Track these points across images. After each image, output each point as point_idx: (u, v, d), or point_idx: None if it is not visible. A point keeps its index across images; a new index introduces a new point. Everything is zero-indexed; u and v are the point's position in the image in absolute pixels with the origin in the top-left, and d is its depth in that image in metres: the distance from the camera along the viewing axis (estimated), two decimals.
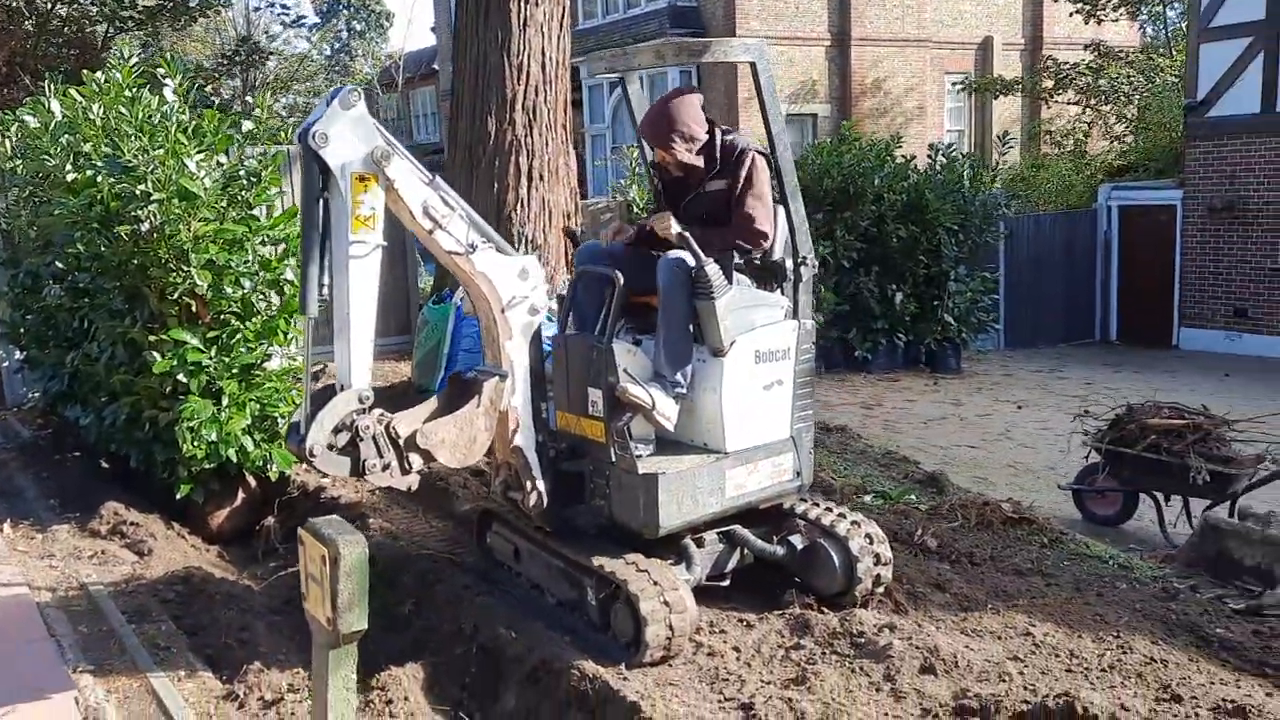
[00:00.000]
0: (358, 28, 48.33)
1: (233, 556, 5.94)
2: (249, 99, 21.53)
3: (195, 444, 5.59)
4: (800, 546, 4.49)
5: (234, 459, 5.81)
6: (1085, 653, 4.08)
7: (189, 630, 4.58)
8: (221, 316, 5.82)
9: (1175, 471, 6.43)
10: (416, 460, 3.72)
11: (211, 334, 5.75)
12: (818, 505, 4.64)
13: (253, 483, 6.31)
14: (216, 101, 12.99)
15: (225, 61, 14.39)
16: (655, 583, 3.94)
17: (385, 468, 3.66)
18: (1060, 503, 7.39)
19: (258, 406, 5.89)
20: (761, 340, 4.24)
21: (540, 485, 4.19)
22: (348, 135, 3.45)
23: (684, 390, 4.17)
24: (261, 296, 5.87)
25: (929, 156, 13.55)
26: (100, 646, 4.37)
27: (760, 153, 4.37)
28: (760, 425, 4.28)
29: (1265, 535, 5.17)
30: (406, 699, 3.94)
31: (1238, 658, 4.18)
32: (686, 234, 4.12)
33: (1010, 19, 23.70)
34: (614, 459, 4.09)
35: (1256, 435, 6.66)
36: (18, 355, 7.92)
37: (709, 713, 3.63)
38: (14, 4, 11.04)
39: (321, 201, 3.48)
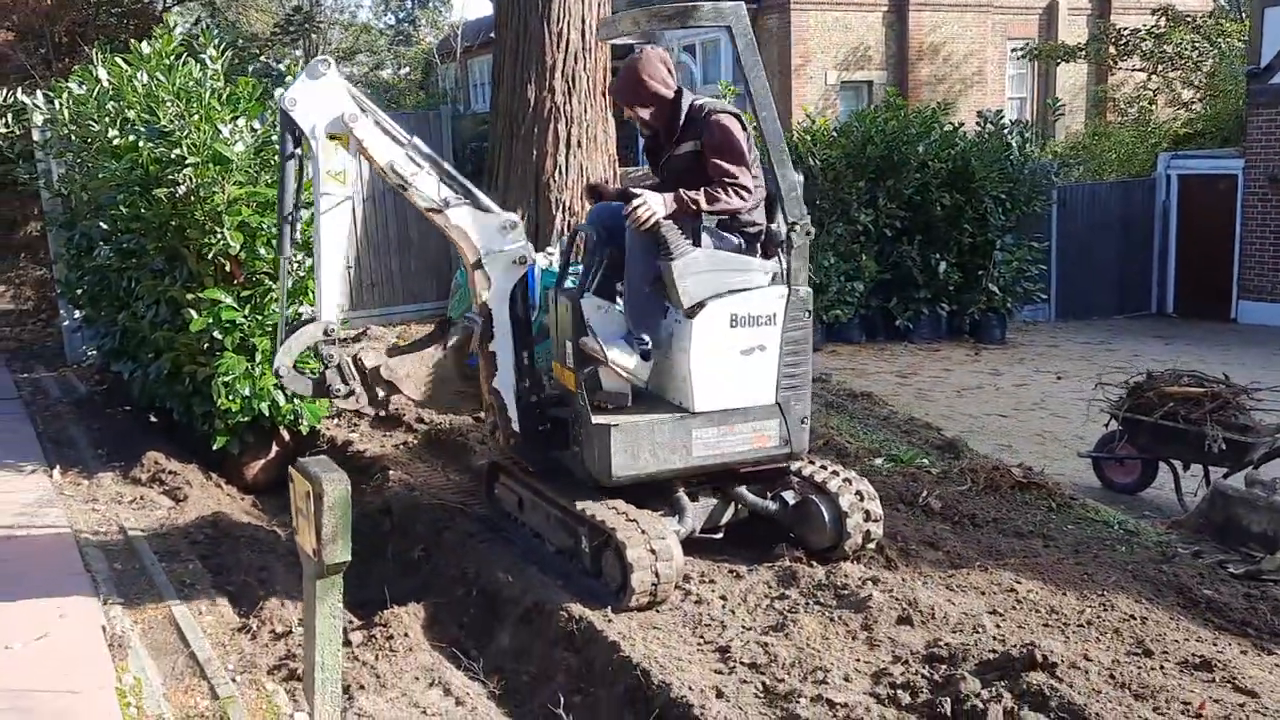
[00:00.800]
0: None
1: (265, 505, 6.24)
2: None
3: (230, 398, 5.89)
4: (792, 502, 4.63)
5: (266, 412, 6.11)
6: (1066, 609, 4.15)
7: (214, 570, 4.88)
8: (254, 276, 6.09)
9: (1192, 439, 6.39)
10: (382, 391, 4.39)
11: (245, 293, 6.03)
12: (813, 463, 4.76)
13: (285, 435, 6.61)
14: (277, 70, 13.31)
15: (279, 31, 14.72)
16: (643, 531, 4.10)
17: (350, 394, 4.32)
18: (1082, 470, 7.37)
19: None
20: (740, 305, 4.27)
21: (514, 426, 4.49)
22: (317, 99, 3.96)
23: (648, 346, 4.30)
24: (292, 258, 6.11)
25: (977, 124, 13.37)
26: (131, 582, 4.68)
27: (732, 114, 4.39)
28: (737, 389, 4.32)
29: (1271, 502, 5.15)
30: (407, 635, 4.16)
31: (1222, 618, 4.21)
32: (631, 190, 4.38)
33: None
34: (579, 408, 4.34)
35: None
36: (76, 314, 8.34)
37: (687, 654, 3.80)
38: None
39: (296, 160, 4.09)
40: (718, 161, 4.30)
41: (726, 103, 4.56)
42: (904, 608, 4.04)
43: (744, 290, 4.29)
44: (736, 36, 4.20)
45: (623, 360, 4.25)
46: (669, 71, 4.40)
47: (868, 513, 4.57)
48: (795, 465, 4.70)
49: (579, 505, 4.33)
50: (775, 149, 4.32)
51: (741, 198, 4.30)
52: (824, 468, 4.75)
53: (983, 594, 4.32)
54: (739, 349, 4.29)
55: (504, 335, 4.44)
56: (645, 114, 4.41)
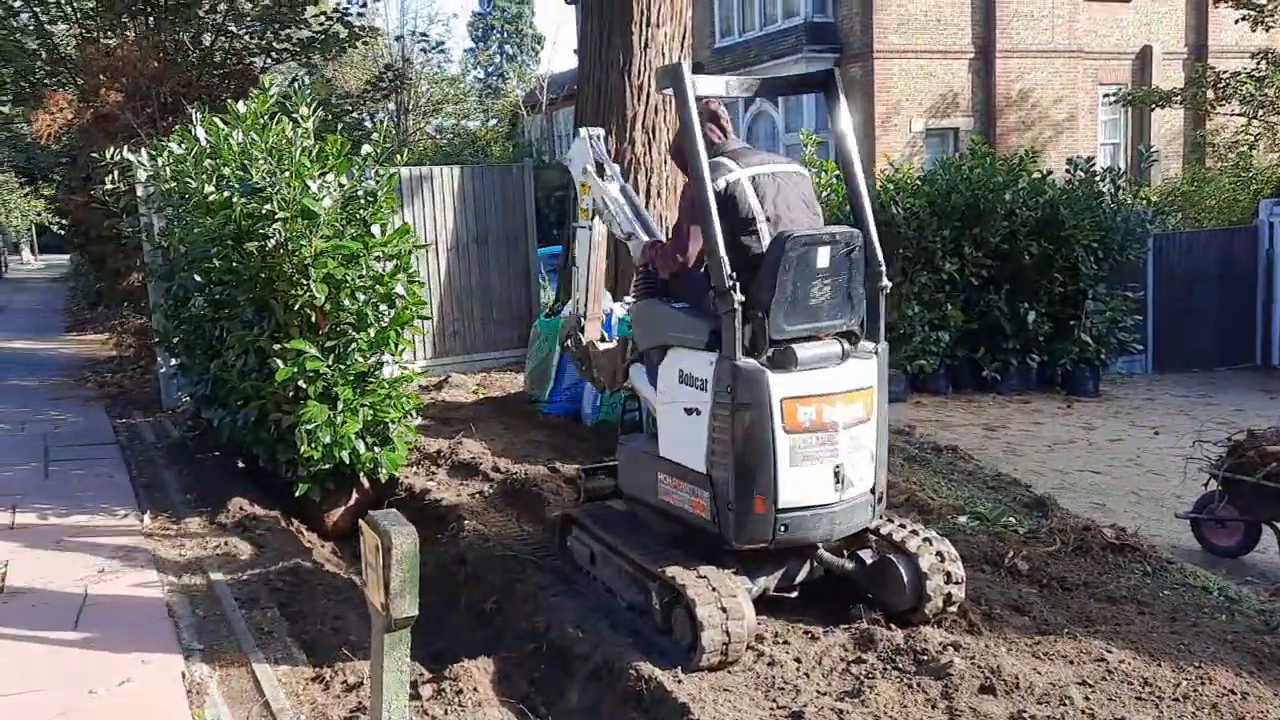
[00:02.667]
0: (510, 51, 50.14)
1: (343, 552, 6.32)
2: (401, 120, 22.67)
3: (312, 446, 6.01)
4: (870, 561, 4.50)
5: (347, 460, 6.21)
6: (1160, 681, 3.94)
7: (291, 618, 4.94)
8: (338, 327, 6.23)
9: None
10: (595, 372, 5.33)
11: (329, 343, 6.17)
12: (891, 522, 4.62)
13: (365, 484, 6.71)
14: (368, 124, 13.74)
15: (371, 88, 15.22)
16: (714, 589, 4.03)
17: (580, 366, 5.46)
18: (1179, 532, 7.04)
19: (370, 412, 6.27)
20: (685, 360, 4.29)
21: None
22: (576, 156, 5.40)
23: (654, 384, 4.58)
24: (375, 309, 6.25)
25: (1067, 171, 13.09)
26: (212, 628, 4.77)
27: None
28: (681, 445, 4.31)
29: None
30: (476, 690, 4.15)
31: None
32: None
33: (1172, 27, 22.65)
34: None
35: None
36: (172, 361, 8.64)
37: (758, 718, 3.70)
38: (181, 38, 12.05)
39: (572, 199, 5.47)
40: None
41: (739, 150, 4.52)
42: (987, 676, 3.88)
43: (685, 349, 4.32)
44: (832, 99, 4.52)
45: (643, 389, 4.69)
46: (719, 129, 4.55)
47: (949, 574, 4.40)
48: (875, 524, 4.55)
49: (650, 561, 4.31)
50: (700, 201, 4.10)
51: (668, 259, 4.50)
52: (903, 526, 4.60)
53: (1071, 663, 4.12)
54: (682, 406, 4.29)
55: None
56: (682, 169, 4.57)
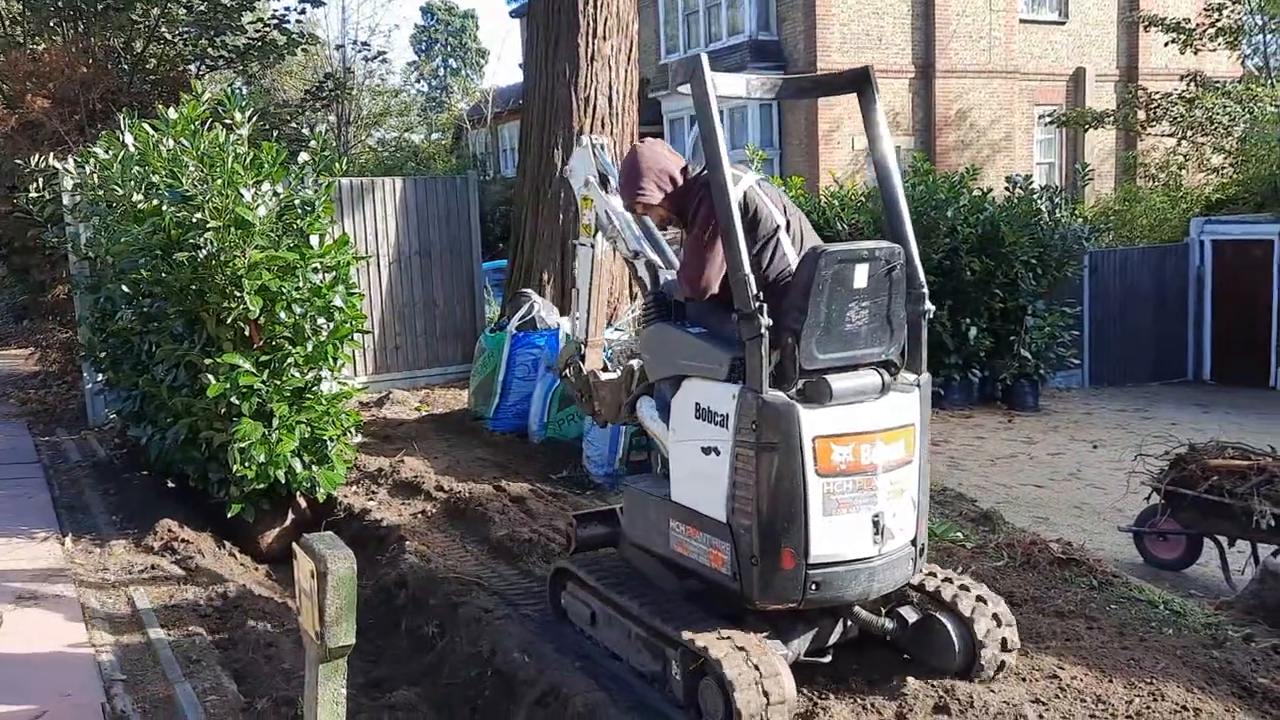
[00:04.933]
0: (454, 65, 49.81)
1: (278, 575, 6.10)
2: (342, 132, 22.34)
3: (245, 464, 5.79)
4: (912, 620, 4.03)
5: (282, 480, 5.99)
6: (1113, 698, 3.90)
7: (221, 645, 4.72)
8: (274, 341, 6.01)
9: (1238, 514, 6.13)
10: (595, 404, 4.74)
11: (264, 358, 5.95)
12: (935, 575, 4.10)
13: (302, 503, 6.50)
14: (306, 134, 13.48)
15: (310, 97, 14.94)
16: (753, 664, 3.48)
17: (579, 396, 4.85)
18: (1123, 546, 7.11)
19: (307, 429, 6.06)
20: (702, 393, 3.76)
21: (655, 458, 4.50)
22: (577, 168, 4.83)
23: (665, 418, 4.08)
24: (312, 322, 6.05)
25: (1006, 189, 13.28)
26: (136, 656, 4.54)
27: (706, 183, 3.90)
28: (696, 489, 3.79)
29: None
30: (419, 719, 3.98)
31: None
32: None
33: (1104, 50, 23.16)
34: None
35: None
36: (99, 377, 8.31)
37: None
38: (112, 43, 11.70)
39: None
40: (687, 247, 3.98)
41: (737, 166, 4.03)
42: (940, 695, 3.81)
43: (702, 380, 3.80)
44: (867, 100, 4.00)
45: (651, 424, 4.19)
46: (669, 155, 4.18)
47: (1005, 641, 3.93)
48: (916, 578, 4.03)
49: (668, 624, 3.76)
50: (722, 215, 3.64)
51: (683, 284, 3.95)
52: (949, 581, 4.06)
53: (1024, 680, 4.07)
54: (700, 445, 3.75)
55: None
56: (655, 205, 4.16)
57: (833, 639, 3.93)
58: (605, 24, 9.85)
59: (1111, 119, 20.43)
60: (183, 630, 4.84)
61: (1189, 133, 19.36)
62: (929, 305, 3.89)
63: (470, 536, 6.00)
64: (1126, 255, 15.96)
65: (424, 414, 9.32)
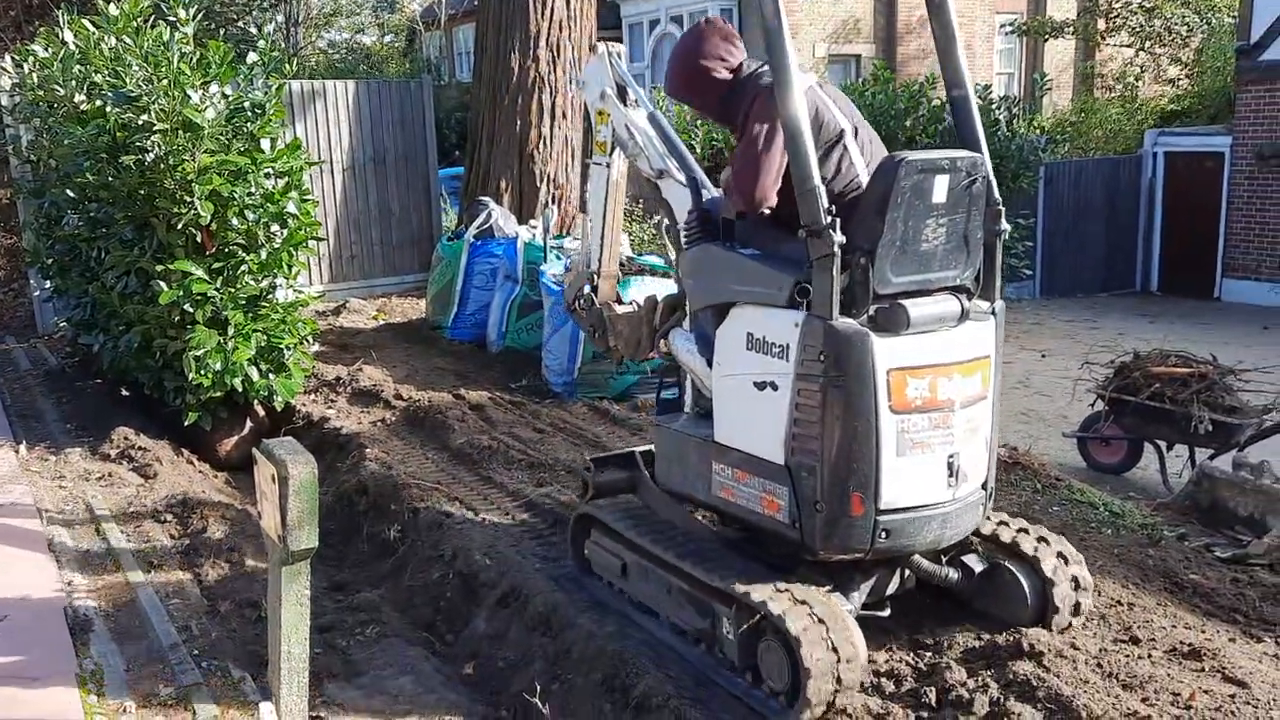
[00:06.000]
0: None
1: (237, 483, 6.11)
2: (290, 33, 21.61)
3: (201, 373, 5.75)
4: (979, 570, 3.72)
5: (239, 388, 5.97)
6: None
7: (183, 550, 4.75)
8: (227, 248, 5.92)
9: (1178, 420, 6.34)
10: (597, 330, 4.40)
11: (217, 265, 5.87)
12: (990, 519, 3.76)
13: (260, 412, 6.48)
14: (256, 35, 13.03)
15: None
16: (819, 620, 3.16)
17: (593, 333, 4.45)
18: (1067, 450, 7.33)
19: (263, 337, 6.02)
20: (756, 321, 3.36)
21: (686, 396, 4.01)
22: (591, 79, 4.29)
23: (705, 352, 3.72)
24: (266, 228, 5.96)
25: None
26: (96, 561, 4.56)
27: (768, 87, 3.44)
28: (747, 429, 3.43)
29: (1258, 485, 5.11)
30: (380, 620, 4.07)
31: (1210, 604, 4.15)
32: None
33: None
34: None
35: (1270, 386, 6.52)
36: (46, 284, 8.14)
37: None
38: None
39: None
40: (737, 156, 3.52)
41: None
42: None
43: (757, 305, 3.38)
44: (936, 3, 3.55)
45: (687, 359, 3.79)
46: (728, 46, 3.66)
47: (1076, 580, 3.66)
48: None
49: (717, 576, 3.43)
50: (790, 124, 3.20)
51: (736, 195, 3.47)
52: (1006, 524, 3.77)
53: None
54: (752, 380, 3.36)
55: None
56: (696, 103, 3.83)
57: (890, 589, 3.63)
58: None
59: (1071, 28, 20.33)
60: (143, 535, 4.87)
61: (1147, 43, 19.36)
62: (1005, 224, 3.52)
63: (430, 444, 6.04)
64: (1081, 167, 16.07)
65: (381, 323, 9.28)
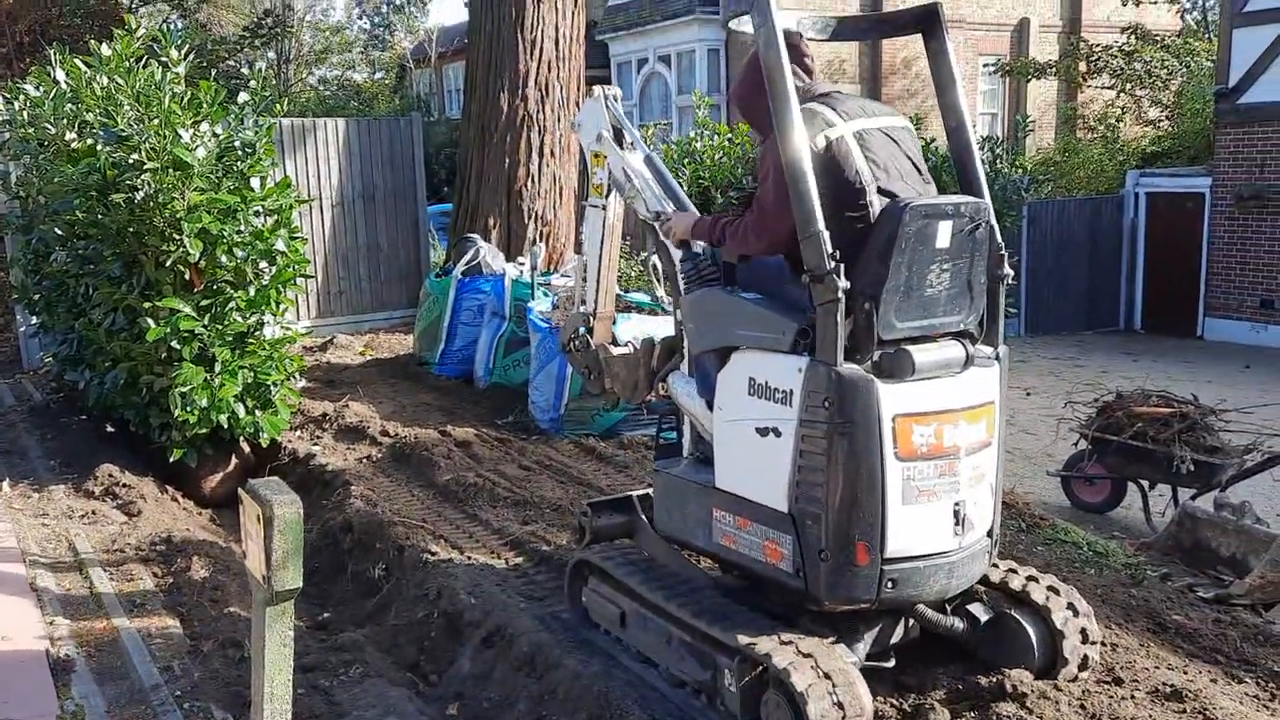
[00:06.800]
0: (398, 2, 48.56)
1: (222, 520, 6.09)
2: (282, 70, 21.77)
3: (187, 409, 5.74)
4: (984, 619, 3.62)
5: (225, 424, 5.96)
6: None
7: (166, 589, 4.72)
8: (215, 285, 5.94)
9: (1160, 460, 6.40)
10: (593, 371, 4.40)
11: (205, 302, 5.88)
12: (998, 566, 3.70)
13: (246, 448, 6.47)
14: (245, 73, 13.13)
15: (249, 34, 14.54)
16: (825, 675, 3.10)
17: (588, 374, 4.45)
18: (1051, 489, 7.36)
19: (250, 374, 6.03)
20: (759, 366, 3.32)
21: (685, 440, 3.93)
22: (587, 121, 4.34)
23: (705, 395, 3.64)
24: (254, 265, 5.98)
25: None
26: (79, 601, 4.52)
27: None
28: (749, 475, 3.38)
29: (1240, 525, 5.15)
30: (363, 660, 4.05)
31: (1192, 644, 4.17)
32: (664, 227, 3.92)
33: (1048, 1, 23.32)
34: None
35: (1250, 425, 6.59)
36: (33, 320, 8.14)
37: None
38: None
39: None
40: (758, 194, 3.43)
41: (831, 95, 3.49)
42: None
43: (759, 350, 3.34)
44: (935, 41, 3.60)
45: (687, 402, 3.72)
46: (793, 66, 3.40)
47: (1084, 632, 3.58)
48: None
49: (718, 626, 3.36)
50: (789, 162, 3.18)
51: (752, 236, 3.40)
52: (1014, 571, 3.69)
53: None
54: (754, 424, 3.32)
55: None
56: (750, 119, 3.67)
57: (894, 639, 3.56)
58: None
59: (1054, 70, 20.65)
60: (126, 574, 4.84)
61: (1128, 85, 19.66)
62: (1009, 269, 3.50)
63: (416, 481, 6.03)
64: (1064, 206, 16.26)
65: (368, 359, 9.29)
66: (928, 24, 3.63)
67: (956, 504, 3.23)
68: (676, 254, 3.89)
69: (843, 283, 3.02)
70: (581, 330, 4.46)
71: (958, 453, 3.21)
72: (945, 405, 3.19)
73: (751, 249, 3.47)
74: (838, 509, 3.10)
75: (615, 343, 4.49)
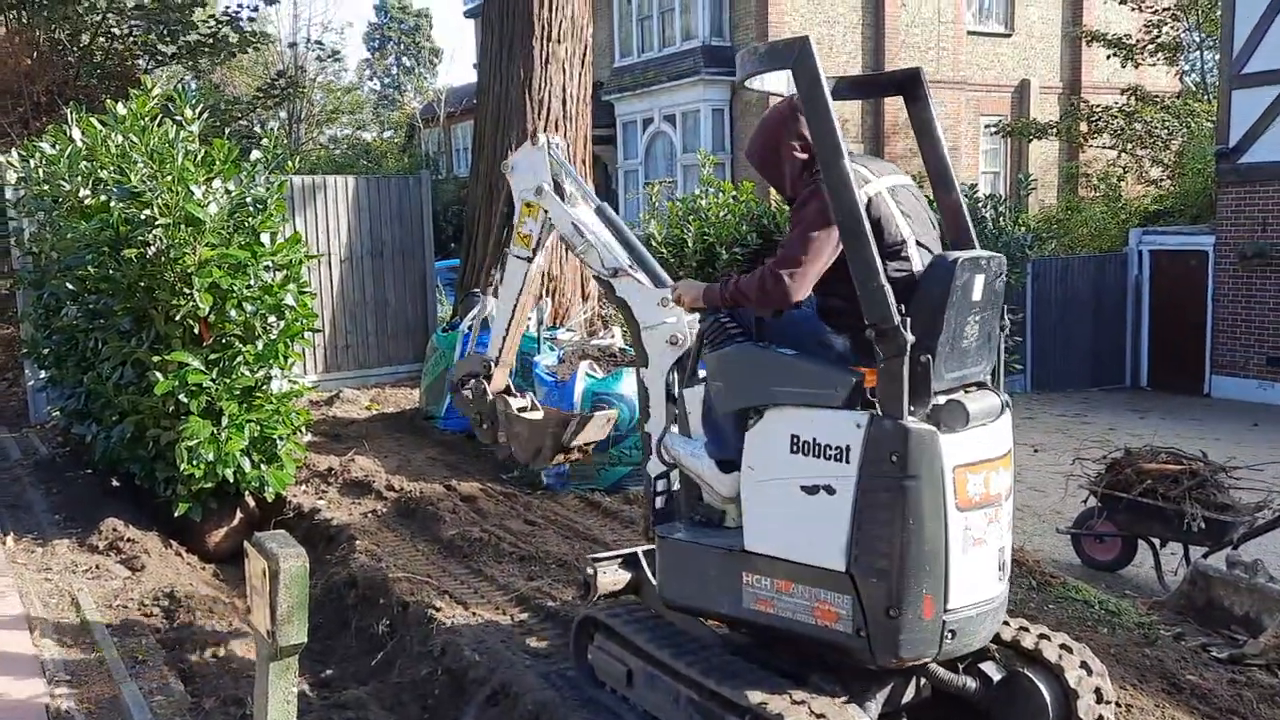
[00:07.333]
0: (407, 64, 49.45)
1: (226, 575, 6.06)
2: (293, 129, 22.10)
3: (193, 463, 5.74)
4: (996, 678, 3.56)
5: (231, 479, 5.95)
6: None
7: (168, 645, 4.69)
8: (224, 339, 5.97)
9: (1170, 517, 6.34)
10: (488, 426, 4.36)
11: (214, 356, 5.91)
12: (1008, 623, 3.63)
13: (251, 503, 6.45)
14: (258, 131, 13.34)
15: (262, 95, 14.79)
16: None
17: (479, 420, 4.44)
18: (1061, 547, 7.29)
19: (257, 428, 6.03)
20: (803, 423, 3.24)
21: (651, 517, 3.86)
22: (525, 168, 4.23)
23: (727, 456, 3.52)
24: (263, 320, 6.02)
25: None
26: (80, 656, 4.49)
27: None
28: (794, 536, 3.28)
29: (1253, 584, 5.08)
30: (368, 718, 3.99)
31: (1208, 705, 4.10)
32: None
33: (1048, 62, 23.66)
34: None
35: (1261, 483, 6.54)
36: (41, 374, 8.17)
37: None
38: (57, 36, 11.50)
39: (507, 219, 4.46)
40: (781, 248, 3.41)
41: (852, 154, 3.40)
42: None
43: (803, 406, 3.26)
44: (917, 103, 3.62)
45: (692, 463, 3.61)
46: (786, 133, 3.49)
47: (1099, 692, 3.52)
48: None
49: (729, 687, 3.29)
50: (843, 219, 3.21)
51: (775, 293, 3.31)
52: (1026, 629, 3.63)
53: None
54: (799, 483, 3.23)
55: (659, 415, 3.86)
56: (767, 176, 3.65)
57: (905, 698, 3.49)
58: (560, 27, 9.90)
59: (1055, 130, 20.89)
60: (128, 630, 4.80)
61: (1129, 145, 19.87)
62: (1007, 320, 3.59)
63: (421, 536, 6.00)
64: (1067, 264, 16.33)
65: (375, 413, 9.29)
66: (910, 86, 3.66)
67: (1000, 549, 3.27)
68: (645, 313, 3.85)
69: (910, 336, 3.02)
70: (479, 373, 4.40)
71: (1000, 500, 3.25)
72: (988, 454, 3.23)
73: (776, 305, 3.39)
74: (906, 565, 3.07)
75: (510, 392, 4.46)
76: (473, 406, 4.43)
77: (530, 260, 4.27)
